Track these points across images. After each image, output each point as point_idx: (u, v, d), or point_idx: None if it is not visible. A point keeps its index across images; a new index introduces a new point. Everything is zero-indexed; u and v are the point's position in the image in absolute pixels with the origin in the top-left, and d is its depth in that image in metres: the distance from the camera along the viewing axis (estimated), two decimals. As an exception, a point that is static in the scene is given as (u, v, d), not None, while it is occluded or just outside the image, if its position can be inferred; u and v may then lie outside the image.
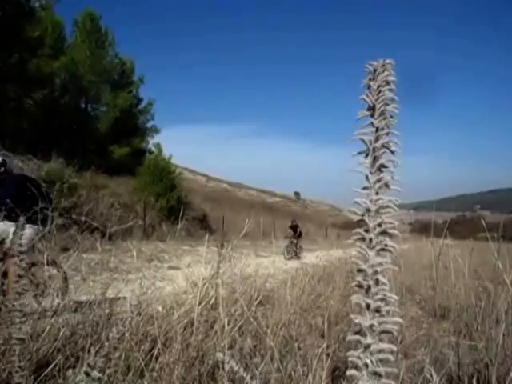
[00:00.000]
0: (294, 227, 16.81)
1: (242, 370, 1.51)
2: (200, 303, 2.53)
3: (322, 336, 2.51)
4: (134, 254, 4.43)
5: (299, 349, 2.25)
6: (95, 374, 0.92)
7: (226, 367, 1.59)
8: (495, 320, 2.75)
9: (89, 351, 1.53)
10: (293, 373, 2.00)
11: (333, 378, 1.92)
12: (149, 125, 23.95)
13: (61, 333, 2.12)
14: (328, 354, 2.02)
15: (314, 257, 7.02)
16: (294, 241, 15.95)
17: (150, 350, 2.07)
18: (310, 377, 1.87)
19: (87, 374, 0.91)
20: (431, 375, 1.52)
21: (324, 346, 2.06)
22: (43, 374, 1.80)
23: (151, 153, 22.06)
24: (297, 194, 73.11)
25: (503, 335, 2.61)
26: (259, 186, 66.36)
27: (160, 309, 2.72)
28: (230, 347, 2.21)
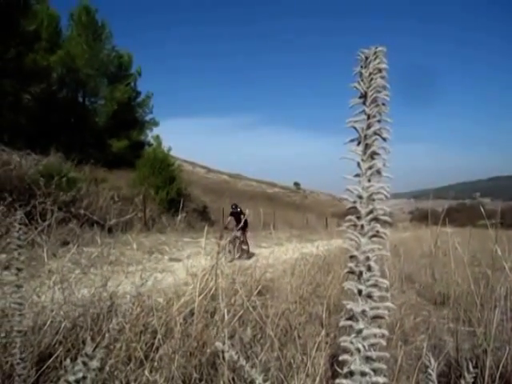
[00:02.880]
0: (237, 214, 12.00)
1: (241, 358, 1.53)
2: (200, 294, 2.54)
3: (322, 325, 2.54)
4: (134, 246, 4.45)
5: (299, 337, 2.27)
6: (93, 363, 0.93)
7: (226, 356, 1.61)
8: (494, 306, 2.77)
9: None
10: (292, 361, 2.02)
11: (331, 365, 1.94)
12: (148, 118, 23.96)
13: (62, 325, 2.14)
14: (327, 342, 2.04)
15: (314, 247, 7.04)
16: (238, 234, 11.07)
17: (151, 341, 2.09)
18: (309, 364, 1.89)
19: (85, 363, 0.92)
20: (429, 361, 1.53)
21: (323, 333, 2.08)
22: (45, 366, 1.82)
23: (150, 145, 22.05)
24: (297, 184, 73.15)
25: (502, 320, 2.63)
26: (259, 177, 66.44)
27: (161, 300, 2.74)
28: (231, 337, 2.23)
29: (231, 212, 12.30)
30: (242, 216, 11.57)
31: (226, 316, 2.24)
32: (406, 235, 14.07)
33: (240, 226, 9.92)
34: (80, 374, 0.89)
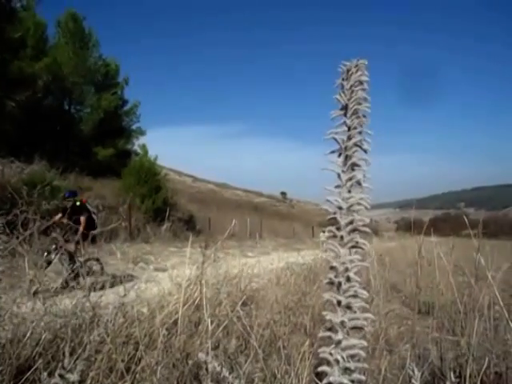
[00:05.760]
0: (74, 211, 7.01)
1: (224, 370, 1.52)
2: (184, 304, 2.52)
3: (307, 335, 2.53)
4: (119, 255, 4.40)
5: (283, 348, 2.26)
6: (70, 376, 0.92)
7: (210, 367, 1.60)
8: (479, 315, 2.80)
9: (70, 354, 1.52)
10: (276, 371, 2.01)
11: (316, 375, 1.93)
12: (134, 126, 23.84)
13: (42, 337, 2.10)
14: (311, 352, 2.04)
15: (300, 257, 7.05)
16: (71, 247, 6.54)
17: (134, 353, 2.06)
18: (293, 375, 1.88)
19: (61, 376, 0.90)
20: (413, 370, 1.54)
21: (307, 344, 2.07)
22: (24, 379, 1.78)
23: (137, 154, 21.91)
24: (283, 193, 73.17)
25: (485, 329, 2.66)
26: (246, 187, 66.33)
27: (144, 311, 2.71)
28: (215, 348, 2.21)
29: (63, 207, 7.14)
30: (88, 214, 7.02)
31: (210, 326, 2.22)
32: (391, 245, 14.16)
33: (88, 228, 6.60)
34: (57, 388, 0.87)
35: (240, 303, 2.77)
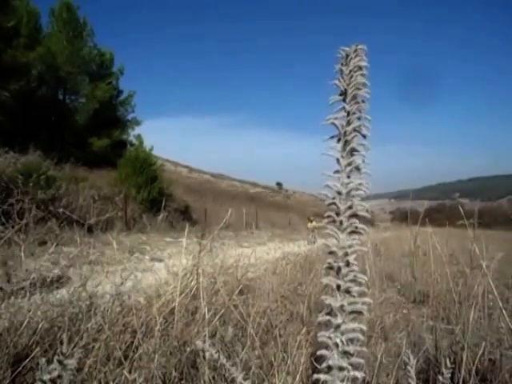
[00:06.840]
0: None
1: (221, 357, 1.52)
2: (181, 293, 2.52)
3: (303, 323, 2.54)
4: (115, 245, 4.39)
5: (280, 336, 2.27)
6: (69, 362, 0.92)
7: (207, 355, 1.60)
8: (471, 303, 2.82)
9: (67, 343, 1.52)
10: (273, 359, 2.02)
11: (312, 362, 1.95)
12: (129, 117, 23.70)
13: (39, 326, 2.10)
14: (307, 340, 2.05)
15: (296, 247, 7.07)
16: None
17: (131, 341, 2.07)
18: (290, 362, 1.89)
19: (60, 362, 0.90)
20: (408, 358, 1.55)
21: (304, 331, 2.08)
22: (21, 367, 1.78)
23: (132, 145, 21.81)
24: (279, 184, 73.23)
25: (479, 318, 2.68)
26: (242, 177, 66.31)
27: (141, 300, 2.71)
28: (212, 336, 2.22)
29: None
30: None
31: (206, 315, 2.23)
32: (387, 235, 14.23)
33: None
34: (55, 373, 0.87)
35: (236, 292, 2.78)
